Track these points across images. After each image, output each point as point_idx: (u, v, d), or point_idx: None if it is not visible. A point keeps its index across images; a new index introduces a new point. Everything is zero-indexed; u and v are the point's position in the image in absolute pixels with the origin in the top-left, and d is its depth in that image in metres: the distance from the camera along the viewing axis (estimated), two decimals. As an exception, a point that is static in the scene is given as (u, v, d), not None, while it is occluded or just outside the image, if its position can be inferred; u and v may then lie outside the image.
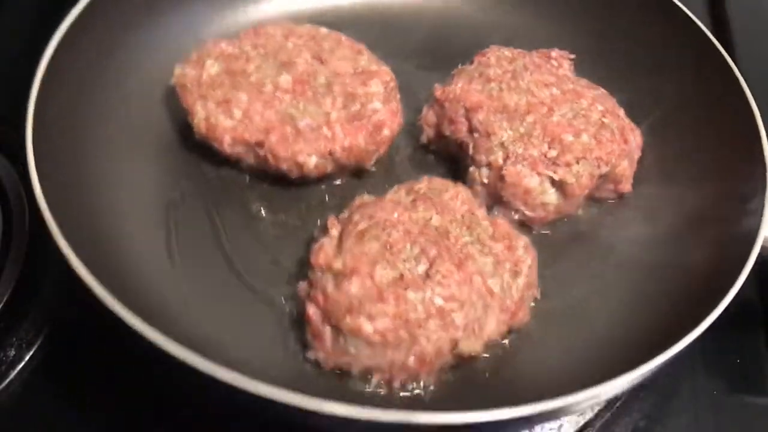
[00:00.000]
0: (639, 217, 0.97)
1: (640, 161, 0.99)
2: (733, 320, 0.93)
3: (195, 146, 0.97)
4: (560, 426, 0.88)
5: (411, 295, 0.78)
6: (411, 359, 0.77)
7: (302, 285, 0.83)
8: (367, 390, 0.80)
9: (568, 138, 0.94)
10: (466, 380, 0.82)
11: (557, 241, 0.95)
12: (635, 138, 0.99)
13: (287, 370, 0.81)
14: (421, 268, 0.80)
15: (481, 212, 0.87)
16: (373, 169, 0.99)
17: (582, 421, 0.89)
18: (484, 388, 0.82)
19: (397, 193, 0.88)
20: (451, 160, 1.01)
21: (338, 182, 0.99)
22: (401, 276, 0.79)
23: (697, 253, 0.89)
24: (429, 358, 0.77)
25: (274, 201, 0.96)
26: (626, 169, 0.97)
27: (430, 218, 0.85)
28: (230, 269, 0.90)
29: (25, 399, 0.86)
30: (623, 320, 0.88)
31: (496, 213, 0.94)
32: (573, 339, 0.86)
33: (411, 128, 1.03)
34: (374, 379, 0.79)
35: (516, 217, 0.94)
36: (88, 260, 0.74)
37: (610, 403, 0.90)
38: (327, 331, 0.78)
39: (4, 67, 1.17)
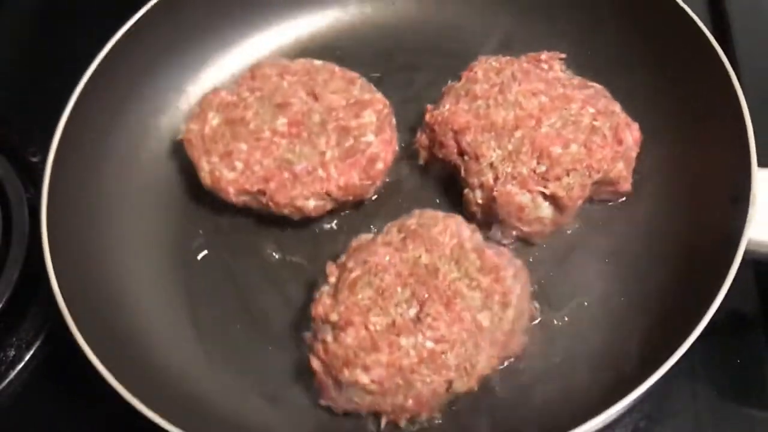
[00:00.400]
0: (639, 219, 0.98)
1: (640, 158, 0.98)
2: (733, 321, 0.95)
3: (207, 197, 1.03)
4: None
5: (403, 341, 0.83)
6: (409, 402, 0.83)
7: (308, 335, 0.89)
8: (379, 429, 0.86)
9: (557, 150, 0.94)
10: (473, 408, 0.87)
11: (558, 252, 0.97)
12: (632, 134, 0.98)
13: (304, 415, 0.88)
14: (412, 312, 0.84)
15: (469, 244, 0.89)
16: (376, 196, 1.03)
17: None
18: (491, 414, 0.87)
19: (389, 234, 0.91)
20: (451, 180, 1.03)
21: (344, 214, 1.03)
22: (393, 322, 0.84)
23: (691, 252, 0.89)
24: (425, 399, 0.83)
25: (284, 242, 1.01)
26: (622, 170, 0.96)
27: (420, 256, 0.88)
28: (248, 317, 0.96)
29: (25, 399, 0.89)
30: (622, 331, 0.90)
31: (495, 231, 0.97)
32: (573, 353, 0.89)
33: (411, 150, 1.05)
34: (383, 420, 0.85)
35: (515, 233, 0.97)
36: (97, 331, 0.82)
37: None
38: (330, 382, 0.85)
39: (4, 68, 1.19)
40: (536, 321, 0.91)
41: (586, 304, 0.93)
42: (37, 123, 1.00)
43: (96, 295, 0.92)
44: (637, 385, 0.77)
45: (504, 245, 0.97)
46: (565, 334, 0.91)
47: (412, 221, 0.92)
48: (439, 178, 1.04)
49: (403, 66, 1.14)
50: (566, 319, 0.92)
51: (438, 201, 1.03)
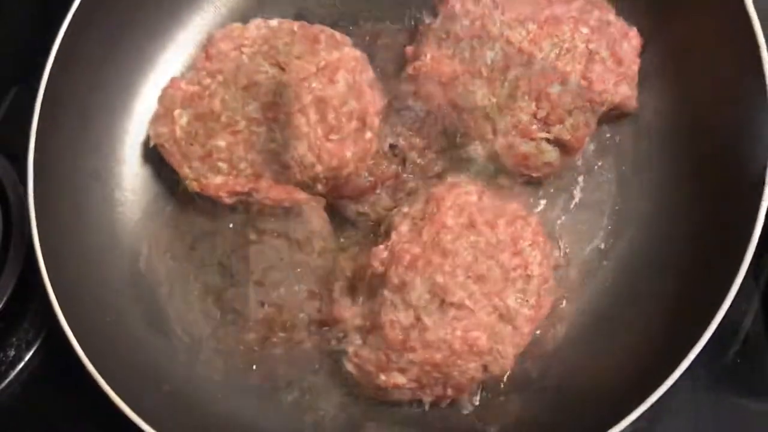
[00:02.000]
0: (647, 133, 0.93)
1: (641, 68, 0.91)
2: (733, 320, 0.93)
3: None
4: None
5: (431, 336, 0.81)
6: (449, 391, 0.83)
7: (332, 334, 0.88)
8: (421, 410, 0.87)
9: (555, 89, 0.87)
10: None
11: (566, 185, 0.94)
12: (630, 43, 0.90)
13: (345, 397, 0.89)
14: (435, 303, 0.82)
15: (480, 217, 0.85)
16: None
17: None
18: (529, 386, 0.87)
19: (402, 224, 0.86)
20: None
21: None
22: (417, 318, 0.82)
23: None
24: (465, 385, 0.83)
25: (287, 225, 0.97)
26: (626, 92, 0.89)
27: (433, 239, 0.84)
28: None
29: (25, 399, 0.90)
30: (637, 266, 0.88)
31: (502, 179, 0.92)
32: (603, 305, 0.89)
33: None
34: (426, 404, 0.86)
35: (521, 180, 0.92)
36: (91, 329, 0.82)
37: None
38: (370, 386, 0.85)
39: (4, 68, 1.15)
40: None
41: (601, 248, 0.92)
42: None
43: (89, 295, 0.90)
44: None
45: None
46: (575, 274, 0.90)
47: (419, 206, 0.87)
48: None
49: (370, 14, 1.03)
50: (584, 268, 0.91)
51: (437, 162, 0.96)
